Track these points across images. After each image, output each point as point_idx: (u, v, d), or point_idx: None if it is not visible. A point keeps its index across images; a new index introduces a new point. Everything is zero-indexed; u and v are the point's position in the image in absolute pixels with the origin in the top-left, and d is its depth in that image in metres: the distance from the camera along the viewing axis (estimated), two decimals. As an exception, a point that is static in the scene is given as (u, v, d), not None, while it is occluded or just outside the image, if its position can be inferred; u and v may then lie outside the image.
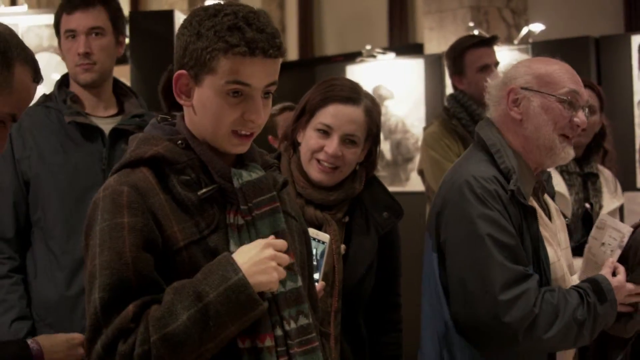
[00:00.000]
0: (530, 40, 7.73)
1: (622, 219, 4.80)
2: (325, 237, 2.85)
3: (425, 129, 5.31)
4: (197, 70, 2.21)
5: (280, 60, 2.25)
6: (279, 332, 2.23)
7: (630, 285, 2.92)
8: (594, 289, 2.85)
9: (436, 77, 7.70)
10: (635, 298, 2.95)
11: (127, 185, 2.18)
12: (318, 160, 2.97)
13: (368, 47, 8.09)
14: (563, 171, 4.17)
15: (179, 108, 2.33)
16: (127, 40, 3.94)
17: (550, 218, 3.03)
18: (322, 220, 2.94)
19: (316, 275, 2.75)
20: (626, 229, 3.05)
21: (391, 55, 8.06)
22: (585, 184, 4.29)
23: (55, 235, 3.44)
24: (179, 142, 2.27)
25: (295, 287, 2.28)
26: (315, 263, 2.75)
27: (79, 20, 3.61)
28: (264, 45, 2.17)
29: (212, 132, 2.25)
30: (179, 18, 6.36)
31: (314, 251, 2.74)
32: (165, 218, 2.17)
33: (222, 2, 2.25)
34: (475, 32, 8.03)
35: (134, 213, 2.15)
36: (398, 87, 7.86)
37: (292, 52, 12.99)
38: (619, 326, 3.03)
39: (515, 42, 7.84)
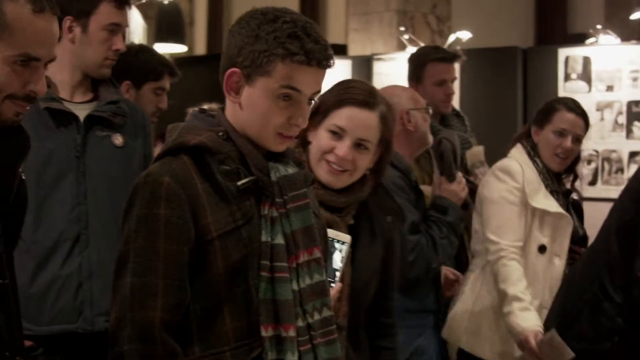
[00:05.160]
0: (458, 47, 7.85)
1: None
2: (346, 237, 2.81)
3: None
4: (251, 70, 2.29)
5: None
6: (300, 323, 2.31)
7: None
8: None
9: (362, 78, 7.72)
10: None
11: (168, 174, 2.26)
12: (327, 162, 2.91)
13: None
14: (552, 191, 4.29)
15: None
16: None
17: None
18: (331, 222, 2.87)
19: (334, 276, 2.74)
20: None
21: (318, 55, 8.06)
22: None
23: (26, 222, 3.32)
24: (220, 133, 2.34)
25: (322, 279, 2.37)
26: (338, 264, 2.76)
27: (124, 17, 3.54)
28: (320, 56, 2.27)
29: (257, 130, 2.33)
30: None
31: (331, 252, 2.75)
32: (201, 209, 2.26)
33: (275, 8, 2.32)
34: (406, 37, 8.12)
35: (171, 206, 2.23)
36: (324, 86, 7.86)
37: (201, 47, 12.89)
38: None
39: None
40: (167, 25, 11.10)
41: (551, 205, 4.18)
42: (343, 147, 2.87)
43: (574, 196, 4.45)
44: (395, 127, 3.24)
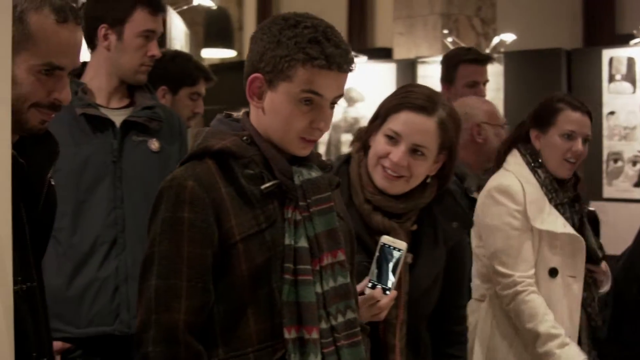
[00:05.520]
0: (502, 50, 7.83)
1: None
2: (402, 244, 2.75)
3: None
4: (273, 76, 2.31)
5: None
6: (324, 325, 2.33)
7: None
8: None
9: (407, 81, 7.76)
10: None
11: (192, 179, 2.29)
12: (383, 167, 2.87)
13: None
14: (558, 205, 3.83)
15: None
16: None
17: None
18: (389, 228, 2.86)
19: (389, 284, 2.73)
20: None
21: (363, 58, 8.11)
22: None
23: (63, 227, 3.38)
24: (245, 137, 2.36)
25: (345, 282, 2.38)
26: (393, 272, 2.73)
27: (158, 23, 3.59)
28: (340, 60, 2.29)
29: (280, 135, 2.36)
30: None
31: (387, 259, 2.73)
32: (224, 213, 2.28)
33: (297, 13, 2.35)
34: (449, 40, 8.12)
35: (195, 209, 2.27)
36: (369, 90, 7.92)
37: (249, 51, 12.91)
38: None
39: (487, 50, 7.92)
40: (216, 30, 11.20)
41: (557, 224, 3.73)
42: (398, 153, 2.83)
43: (590, 207, 4.04)
44: (462, 135, 3.29)
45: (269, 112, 2.35)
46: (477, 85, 4.88)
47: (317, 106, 2.32)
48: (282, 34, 2.28)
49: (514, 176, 3.79)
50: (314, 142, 2.39)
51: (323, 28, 2.29)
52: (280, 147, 2.37)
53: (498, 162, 3.93)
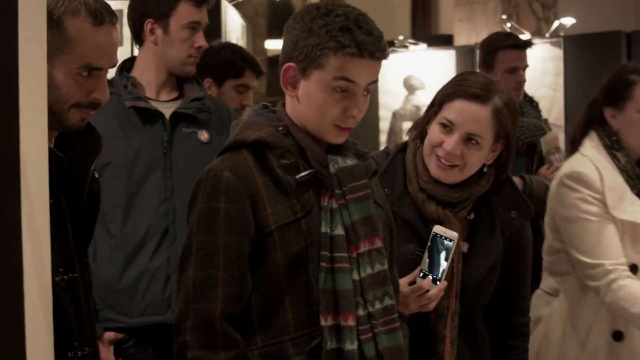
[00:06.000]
0: (562, 34, 7.75)
1: None
2: (453, 235, 2.72)
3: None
4: (306, 64, 2.33)
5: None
6: (361, 312, 2.34)
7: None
8: None
9: (467, 68, 7.73)
10: None
11: (228, 169, 2.32)
12: (437, 156, 2.84)
13: (401, 37, 8.12)
14: (630, 176, 3.47)
15: None
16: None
17: None
18: (442, 217, 2.84)
19: (440, 274, 2.72)
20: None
21: (422, 46, 8.09)
22: None
23: (115, 219, 3.44)
24: (280, 128, 2.39)
25: (383, 269, 2.39)
26: (444, 262, 2.72)
27: (203, 14, 3.62)
28: (372, 48, 2.29)
29: (314, 123, 2.37)
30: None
31: (439, 249, 2.73)
32: (260, 202, 2.31)
33: (329, 2, 2.36)
34: (508, 25, 8.06)
35: (231, 200, 2.29)
36: (429, 77, 7.91)
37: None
38: None
39: (547, 35, 7.85)
40: (279, 21, 11.24)
41: (639, 215, 3.39)
42: (451, 142, 2.80)
43: None
44: None
45: (303, 100, 2.37)
46: (516, 71, 4.81)
47: (350, 94, 2.32)
48: (314, 22, 2.30)
49: (589, 161, 3.46)
50: (349, 130, 2.39)
51: (355, 16, 2.30)
52: (316, 136, 2.38)
53: (574, 146, 3.59)
